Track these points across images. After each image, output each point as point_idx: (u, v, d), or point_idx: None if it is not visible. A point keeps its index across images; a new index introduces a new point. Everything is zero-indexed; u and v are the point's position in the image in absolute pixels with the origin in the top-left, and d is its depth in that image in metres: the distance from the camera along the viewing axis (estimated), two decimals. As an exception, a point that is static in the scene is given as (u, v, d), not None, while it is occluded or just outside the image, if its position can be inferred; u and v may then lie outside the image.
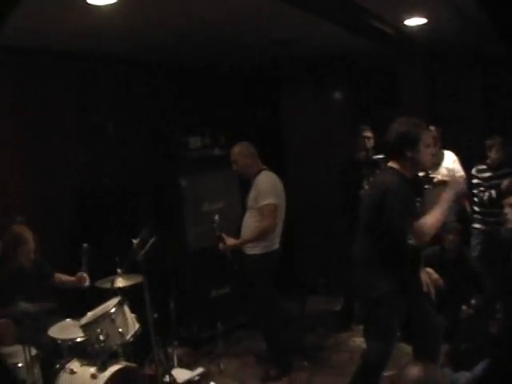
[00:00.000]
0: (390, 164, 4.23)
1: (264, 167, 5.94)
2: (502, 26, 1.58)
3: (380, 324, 4.28)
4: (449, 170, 6.69)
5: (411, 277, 4.35)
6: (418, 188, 4.41)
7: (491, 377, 2.33)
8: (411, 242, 4.13)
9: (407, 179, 4.14)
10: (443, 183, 5.68)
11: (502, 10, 1.56)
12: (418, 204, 4.26)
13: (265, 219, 5.68)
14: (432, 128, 6.77)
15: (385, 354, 4.29)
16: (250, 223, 5.83)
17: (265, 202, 5.66)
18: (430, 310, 4.46)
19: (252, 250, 5.78)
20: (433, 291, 4.64)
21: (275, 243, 5.87)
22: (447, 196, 4.15)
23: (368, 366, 4.42)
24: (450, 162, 6.87)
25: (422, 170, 4.24)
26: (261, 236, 5.71)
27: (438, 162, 6.67)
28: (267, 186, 5.75)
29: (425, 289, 4.53)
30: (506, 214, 4.69)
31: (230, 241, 5.83)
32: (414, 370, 3.02)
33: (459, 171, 6.93)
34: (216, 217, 5.92)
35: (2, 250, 5.05)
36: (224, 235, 5.85)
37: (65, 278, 5.49)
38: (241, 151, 5.88)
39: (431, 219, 4.04)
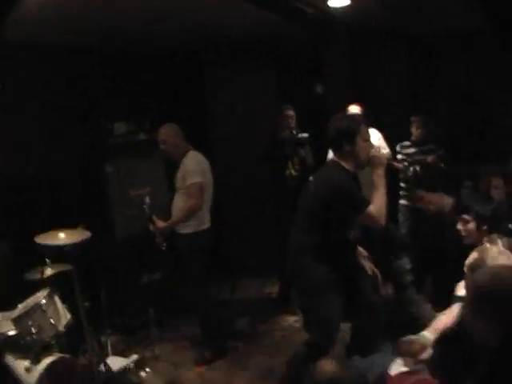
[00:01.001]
0: (334, 158, 4.38)
1: (190, 147, 5.95)
2: (497, 20, 1.60)
3: (317, 314, 4.36)
4: (374, 147, 6.77)
5: (349, 264, 4.49)
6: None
7: None
8: None
9: (351, 173, 4.30)
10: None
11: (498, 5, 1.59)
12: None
13: (192, 198, 5.70)
14: (355, 106, 6.88)
15: (320, 347, 4.29)
16: (179, 203, 5.85)
17: (191, 181, 5.69)
18: (367, 292, 4.55)
19: (184, 229, 5.80)
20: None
21: (205, 222, 5.91)
22: (378, 175, 4.33)
23: (301, 355, 4.46)
24: (375, 139, 6.96)
25: (361, 165, 4.33)
26: (189, 215, 5.73)
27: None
28: (193, 166, 5.78)
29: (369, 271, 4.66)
30: (459, 230, 4.71)
31: (160, 223, 5.83)
32: (326, 366, 3.04)
33: (384, 148, 7.05)
34: (147, 198, 5.90)
35: None
36: (154, 217, 5.85)
37: None
38: (169, 131, 5.88)
39: (377, 203, 4.21)
